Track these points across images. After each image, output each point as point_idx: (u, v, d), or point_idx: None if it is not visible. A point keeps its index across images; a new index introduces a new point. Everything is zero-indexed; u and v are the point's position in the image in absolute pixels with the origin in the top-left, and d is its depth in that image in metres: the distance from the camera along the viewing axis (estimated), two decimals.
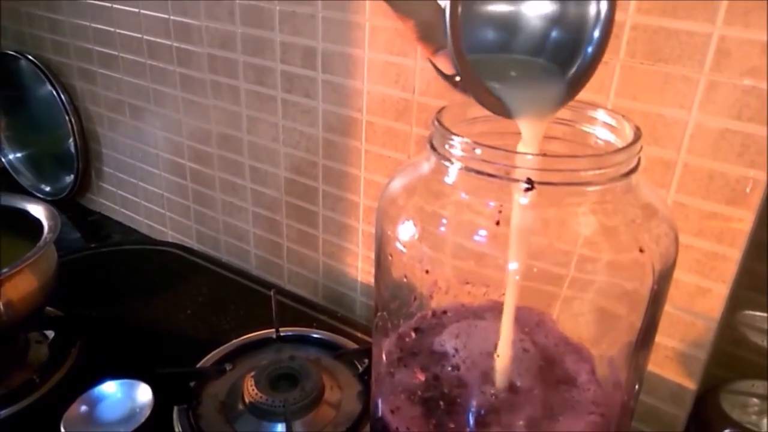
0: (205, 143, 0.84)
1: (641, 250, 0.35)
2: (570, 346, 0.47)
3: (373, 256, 0.73)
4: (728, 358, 0.60)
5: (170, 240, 0.96)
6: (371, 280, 0.74)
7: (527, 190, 0.33)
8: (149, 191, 0.96)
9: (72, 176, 1.04)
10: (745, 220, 0.48)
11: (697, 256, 0.51)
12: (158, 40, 0.82)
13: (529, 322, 0.47)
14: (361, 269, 0.74)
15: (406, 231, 0.40)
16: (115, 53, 0.89)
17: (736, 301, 0.54)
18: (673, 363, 0.55)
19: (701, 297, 0.52)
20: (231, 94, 0.77)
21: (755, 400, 0.60)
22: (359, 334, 0.66)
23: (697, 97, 0.47)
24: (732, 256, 0.49)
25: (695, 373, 0.55)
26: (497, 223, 0.39)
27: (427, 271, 0.49)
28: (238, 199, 0.84)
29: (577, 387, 0.45)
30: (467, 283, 0.52)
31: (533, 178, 0.33)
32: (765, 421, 0.58)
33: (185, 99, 0.83)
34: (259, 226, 0.83)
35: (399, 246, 0.40)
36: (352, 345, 0.64)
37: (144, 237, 0.99)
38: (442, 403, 0.43)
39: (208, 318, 0.70)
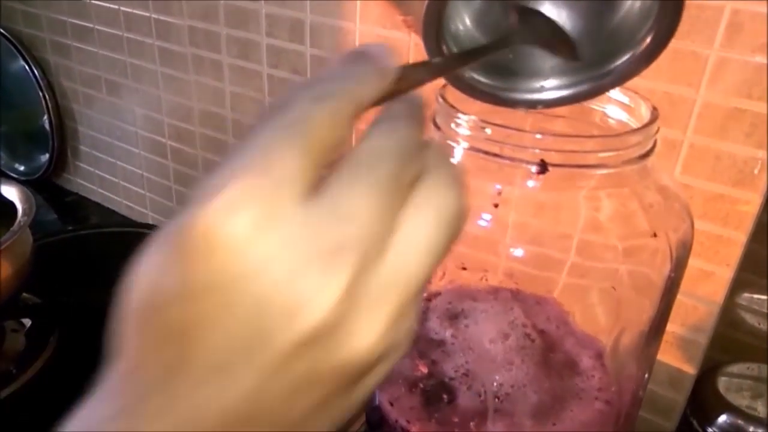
0: (187, 121, 0.80)
1: (654, 235, 0.33)
2: (576, 333, 0.46)
3: None
4: (724, 341, 0.59)
5: (151, 222, 0.93)
6: None
7: (540, 173, 0.31)
8: (128, 171, 0.93)
9: (47, 155, 1.00)
10: (752, 203, 0.47)
11: (701, 239, 0.49)
12: (136, 11, 0.78)
13: (535, 309, 0.45)
14: None
15: None
16: (90, 26, 0.85)
17: (734, 284, 0.53)
18: (673, 348, 0.54)
19: (704, 281, 0.50)
20: (213, 69, 0.73)
21: (752, 383, 0.60)
22: None
23: (706, 75, 0.45)
24: (737, 239, 0.48)
25: (695, 357, 0.54)
26: (495, 206, 0.37)
27: None
28: None
29: (582, 374, 0.44)
30: (464, 268, 0.50)
31: (545, 160, 0.31)
32: (761, 404, 0.57)
33: (165, 74, 0.79)
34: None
35: None
36: None
37: (123, 218, 0.96)
38: (442, 392, 0.42)
39: None
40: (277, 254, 0.16)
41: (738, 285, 0.55)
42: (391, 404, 0.41)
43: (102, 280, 0.72)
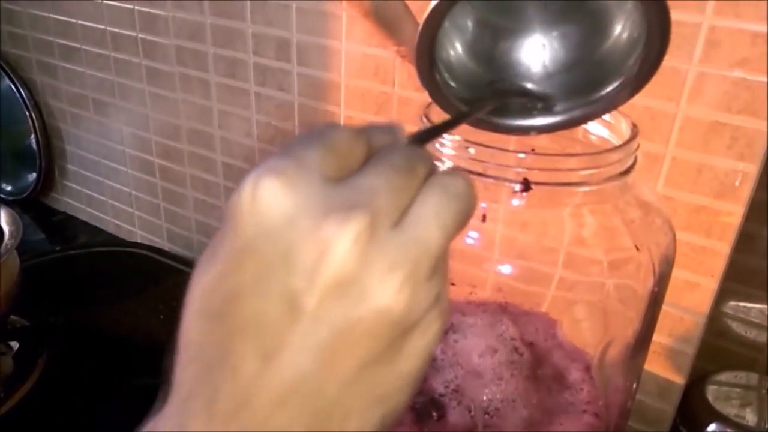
0: (175, 139, 0.80)
1: (637, 249, 0.34)
2: (564, 346, 0.46)
3: None
4: (711, 350, 0.60)
5: (140, 240, 0.93)
6: None
7: (523, 190, 0.31)
8: (116, 189, 0.93)
9: (34, 175, 1.00)
10: (734, 214, 0.47)
11: (685, 251, 0.50)
12: (122, 31, 0.78)
13: (523, 321, 0.46)
14: None
15: None
16: (77, 45, 0.85)
17: (720, 293, 0.53)
18: (661, 358, 0.55)
19: (689, 291, 0.51)
20: (201, 87, 0.74)
21: (740, 391, 0.60)
22: None
23: (686, 89, 0.46)
24: (721, 250, 0.49)
25: (683, 368, 0.55)
26: (483, 219, 0.37)
27: None
28: (211, 197, 0.81)
29: (571, 387, 0.44)
30: (453, 283, 0.51)
31: (528, 178, 0.31)
32: (750, 412, 0.58)
33: (152, 93, 0.79)
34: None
35: None
36: None
37: (112, 237, 0.96)
38: (432, 409, 0.42)
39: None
40: (299, 212, 0.18)
41: (724, 294, 0.56)
42: None
43: (90, 300, 0.72)
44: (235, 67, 0.69)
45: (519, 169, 0.31)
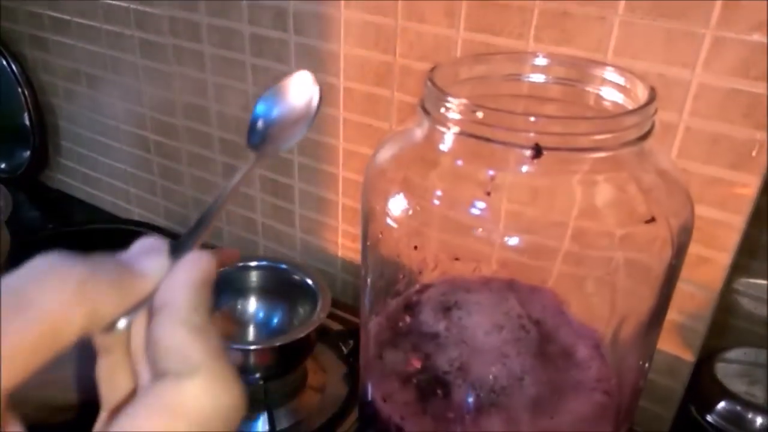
0: (169, 114, 0.78)
1: (654, 220, 0.32)
2: (572, 323, 0.44)
3: (353, 230, 0.70)
4: (719, 327, 0.58)
5: (136, 218, 0.91)
6: (353, 256, 0.70)
7: (534, 157, 0.29)
8: (111, 166, 0.91)
9: (28, 152, 0.98)
10: (750, 186, 0.46)
11: (698, 224, 0.48)
12: (114, 2, 0.75)
13: (529, 299, 0.44)
14: (341, 245, 0.71)
15: (397, 205, 0.36)
16: (68, 18, 0.82)
17: (730, 268, 0.52)
18: (671, 335, 0.53)
19: (702, 267, 0.49)
20: (195, 59, 0.71)
21: (750, 368, 0.59)
22: (342, 314, 0.63)
23: (702, 55, 0.44)
24: (735, 223, 0.47)
25: (693, 345, 0.53)
26: (488, 194, 0.35)
27: (415, 247, 0.45)
28: (208, 173, 0.79)
29: (580, 365, 0.43)
30: (456, 259, 0.49)
31: (540, 143, 0.29)
32: (759, 389, 0.56)
33: (145, 66, 0.77)
34: (231, 201, 0.78)
35: (390, 222, 0.36)
36: (336, 325, 0.61)
37: (108, 215, 0.94)
38: (437, 387, 0.40)
39: None
40: None
41: (735, 270, 0.54)
42: (384, 400, 0.40)
43: None
44: (231, 38, 0.67)
45: (530, 134, 0.29)
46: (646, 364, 0.39)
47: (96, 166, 0.93)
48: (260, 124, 0.28)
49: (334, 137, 0.65)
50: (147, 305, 0.19)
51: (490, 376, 0.41)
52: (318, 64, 0.62)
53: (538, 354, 0.43)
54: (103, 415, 0.20)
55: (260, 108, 0.29)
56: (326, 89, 0.63)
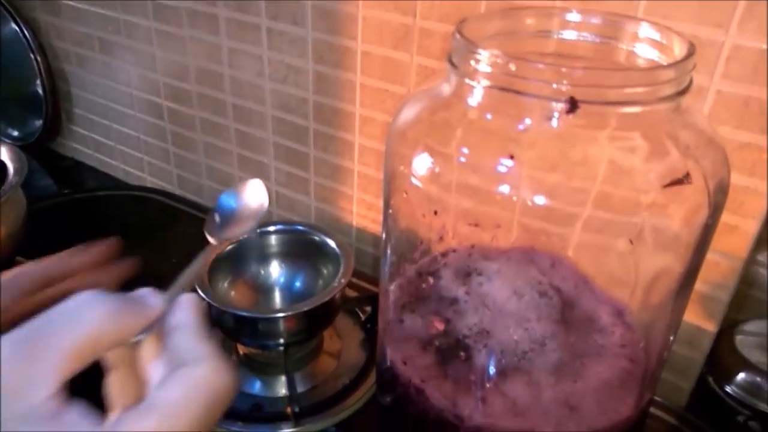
0: (183, 79, 0.77)
1: (690, 178, 0.31)
2: (594, 290, 0.44)
3: (369, 199, 0.69)
4: (737, 298, 0.57)
5: (149, 185, 0.90)
6: (367, 224, 0.70)
7: (569, 111, 0.28)
8: (124, 134, 0.90)
9: (41, 120, 0.97)
10: None
11: None
12: None
13: (550, 269, 0.43)
14: (356, 213, 0.70)
15: (422, 164, 0.35)
16: None
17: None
18: (693, 304, 0.52)
19: (727, 235, 0.48)
20: (209, 23, 0.70)
21: None
22: (358, 281, 0.63)
23: (737, 14, 0.42)
24: (764, 190, 0.46)
25: (715, 315, 0.52)
26: (511, 157, 0.34)
27: (435, 212, 0.44)
28: (222, 141, 0.78)
29: (602, 331, 0.42)
30: (476, 225, 0.48)
31: (576, 97, 0.28)
32: None
33: (159, 30, 0.76)
34: (245, 169, 0.78)
35: (415, 181, 0.36)
36: (352, 293, 0.60)
37: (121, 183, 0.93)
38: (458, 350, 0.40)
39: None
40: None
41: (757, 241, 0.53)
42: (405, 363, 0.39)
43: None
44: (246, 0, 0.66)
45: (563, 87, 0.28)
46: (672, 334, 0.38)
47: (109, 134, 0.92)
48: (217, 217, 0.35)
49: (350, 103, 0.64)
50: (154, 328, 0.26)
51: (512, 340, 0.40)
52: (335, 26, 0.61)
53: (559, 319, 0.42)
54: (113, 414, 0.25)
55: (219, 204, 0.35)
56: (343, 53, 0.61)
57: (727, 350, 0.56)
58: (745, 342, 0.57)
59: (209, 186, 0.83)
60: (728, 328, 0.57)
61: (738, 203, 0.47)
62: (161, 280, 0.65)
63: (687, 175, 0.30)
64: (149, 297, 0.26)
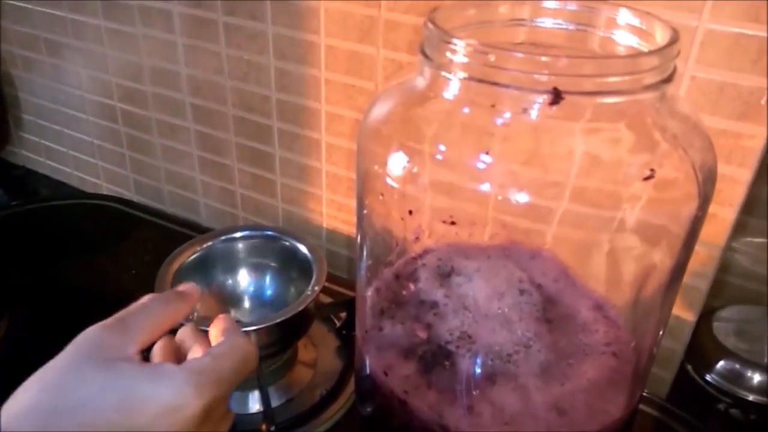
0: (137, 80, 0.73)
1: (678, 169, 0.30)
2: (576, 286, 0.42)
3: (339, 199, 0.67)
4: (713, 285, 0.57)
5: (105, 192, 0.86)
6: (338, 225, 0.67)
7: (552, 102, 0.27)
8: (77, 139, 0.85)
9: None
10: (757, 137, 0.44)
11: None
12: None
13: (530, 264, 0.42)
14: (326, 215, 0.68)
15: (397, 163, 0.33)
16: None
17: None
18: None
19: (706, 223, 0.47)
20: (162, 19, 0.67)
21: (746, 325, 0.58)
22: (331, 286, 0.60)
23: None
24: (741, 177, 0.45)
25: (695, 304, 0.52)
26: (486, 153, 0.32)
27: (410, 212, 0.43)
28: (181, 143, 0.75)
29: (586, 329, 0.41)
30: (453, 222, 0.46)
31: (559, 87, 0.26)
32: (758, 347, 0.56)
33: (109, 29, 0.72)
34: (207, 172, 0.75)
35: (390, 182, 0.34)
36: (325, 298, 0.58)
37: (75, 191, 0.89)
38: (440, 358, 0.38)
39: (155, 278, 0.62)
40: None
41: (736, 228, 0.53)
42: (386, 374, 0.37)
43: (55, 256, 0.67)
44: None
45: (546, 78, 0.26)
46: (661, 329, 0.37)
47: (60, 140, 0.88)
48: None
49: (315, 100, 0.61)
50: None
51: (495, 343, 0.39)
52: (296, 20, 0.58)
53: (542, 318, 0.41)
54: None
55: None
56: (306, 48, 0.59)
57: (705, 338, 0.56)
58: (722, 329, 0.57)
59: (169, 191, 0.80)
60: (705, 315, 0.56)
61: (716, 191, 0.46)
62: (122, 292, 0.62)
63: (678, 168, 0.28)
64: (189, 289, 0.36)
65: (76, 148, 0.86)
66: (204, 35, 0.65)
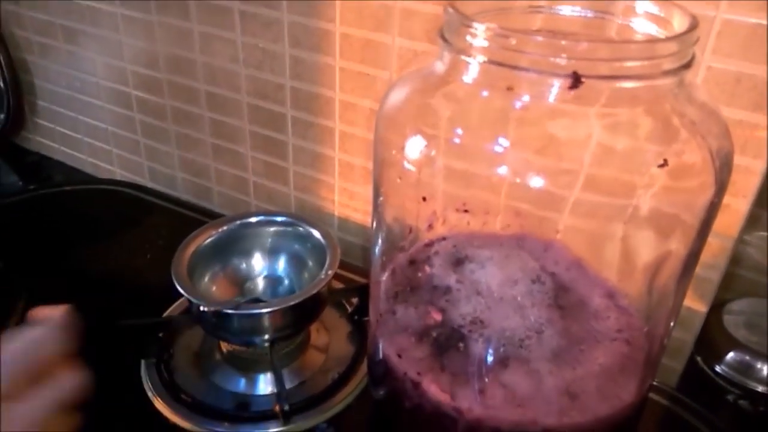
0: (152, 67, 0.74)
1: (696, 155, 0.30)
2: (588, 274, 0.43)
3: (351, 187, 0.67)
4: (724, 277, 0.57)
5: (119, 178, 0.87)
6: (350, 214, 0.68)
7: (572, 87, 0.27)
8: (91, 126, 0.86)
9: (3, 114, 0.93)
10: None
11: None
12: None
13: (542, 254, 0.42)
14: (338, 203, 0.68)
15: (414, 147, 0.33)
16: None
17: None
18: None
19: (719, 214, 0.48)
20: (178, 7, 0.67)
21: (756, 318, 0.58)
22: (343, 272, 0.61)
23: None
24: (756, 168, 0.45)
25: (706, 295, 0.52)
26: (504, 137, 0.33)
27: (424, 199, 0.43)
28: (195, 131, 0.75)
29: (598, 315, 0.41)
30: (466, 210, 0.47)
31: (578, 72, 0.27)
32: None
33: (125, 16, 0.72)
34: (221, 159, 0.75)
35: (408, 166, 0.34)
36: (337, 284, 0.58)
37: (89, 177, 0.90)
38: (453, 341, 0.38)
39: (170, 263, 0.63)
40: None
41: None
42: (399, 356, 0.38)
43: (70, 241, 0.68)
44: None
45: (563, 61, 0.27)
46: (673, 318, 0.37)
47: (75, 126, 0.88)
48: None
49: (329, 88, 0.62)
50: None
51: (508, 328, 0.39)
52: (312, 8, 0.58)
53: (554, 305, 0.41)
54: None
55: None
56: (321, 36, 0.59)
57: (715, 330, 0.56)
58: (732, 321, 0.57)
59: (183, 178, 0.80)
60: (716, 307, 0.56)
61: (730, 182, 0.46)
62: (138, 276, 0.62)
63: (697, 154, 0.28)
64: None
65: (91, 135, 0.87)
66: (219, 23, 0.65)
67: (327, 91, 0.62)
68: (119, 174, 0.87)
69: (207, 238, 0.50)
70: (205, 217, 0.72)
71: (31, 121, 0.94)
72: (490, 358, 0.37)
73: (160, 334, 0.51)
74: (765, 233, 0.62)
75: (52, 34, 0.82)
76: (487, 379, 0.36)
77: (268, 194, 0.74)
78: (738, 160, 0.46)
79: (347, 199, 0.67)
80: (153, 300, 0.56)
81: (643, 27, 0.33)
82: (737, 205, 0.47)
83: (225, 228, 0.52)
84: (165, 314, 0.55)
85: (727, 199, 0.47)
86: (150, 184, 0.84)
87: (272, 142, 0.69)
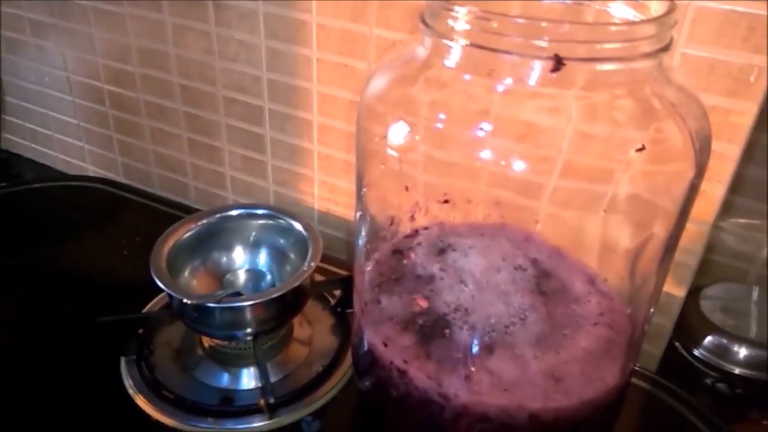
0: (124, 61, 0.73)
1: (676, 137, 0.30)
2: (568, 260, 0.43)
3: (331, 180, 0.67)
4: (700, 263, 0.58)
5: (91, 175, 0.85)
6: (331, 207, 0.67)
7: (554, 69, 0.27)
8: (62, 122, 0.84)
9: None
10: (746, 113, 0.44)
11: None
12: None
13: (522, 244, 0.42)
14: (318, 196, 0.68)
15: (397, 133, 0.33)
16: None
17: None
18: None
19: (696, 199, 0.48)
20: None
21: (732, 303, 0.59)
22: (325, 265, 0.60)
23: None
24: (730, 153, 0.46)
25: (684, 280, 0.53)
26: (486, 121, 0.33)
27: (407, 188, 0.43)
28: (170, 125, 0.74)
29: (579, 300, 0.42)
30: (446, 201, 0.47)
31: (561, 54, 0.27)
32: (745, 323, 0.57)
33: (95, 8, 0.71)
34: (197, 154, 0.74)
35: (391, 152, 0.34)
36: (319, 277, 0.58)
37: (61, 174, 0.88)
38: (438, 328, 0.38)
39: (148, 258, 0.62)
40: None
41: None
42: (385, 345, 0.38)
43: (44, 239, 0.66)
44: None
45: (545, 44, 0.27)
46: (654, 303, 0.38)
47: (45, 123, 0.86)
48: None
49: (306, 80, 0.61)
50: None
51: (492, 315, 0.39)
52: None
53: (537, 291, 0.41)
54: None
55: None
56: (297, 27, 0.59)
57: (693, 315, 0.57)
58: (709, 306, 0.58)
59: (158, 174, 0.79)
60: (692, 293, 0.57)
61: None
62: (115, 273, 0.61)
63: (677, 136, 0.29)
64: None
65: (62, 131, 0.85)
66: (193, 15, 0.64)
67: (304, 83, 0.61)
68: (92, 171, 0.85)
69: (186, 232, 0.50)
70: (182, 212, 0.71)
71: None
72: (475, 345, 0.37)
73: (140, 331, 0.51)
74: (737, 219, 0.63)
75: (19, 29, 0.80)
76: (473, 366, 0.36)
77: (247, 189, 0.73)
78: (713, 145, 0.46)
79: (327, 192, 0.67)
80: (131, 297, 0.56)
81: (620, 12, 0.33)
82: (713, 190, 0.48)
83: (205, 221, 0.51)
84: (144, 310, 0.54)
85: (703, 185, 0.48)
86: (124, 181, 0.82)
87: (249, 136, 0.68)
